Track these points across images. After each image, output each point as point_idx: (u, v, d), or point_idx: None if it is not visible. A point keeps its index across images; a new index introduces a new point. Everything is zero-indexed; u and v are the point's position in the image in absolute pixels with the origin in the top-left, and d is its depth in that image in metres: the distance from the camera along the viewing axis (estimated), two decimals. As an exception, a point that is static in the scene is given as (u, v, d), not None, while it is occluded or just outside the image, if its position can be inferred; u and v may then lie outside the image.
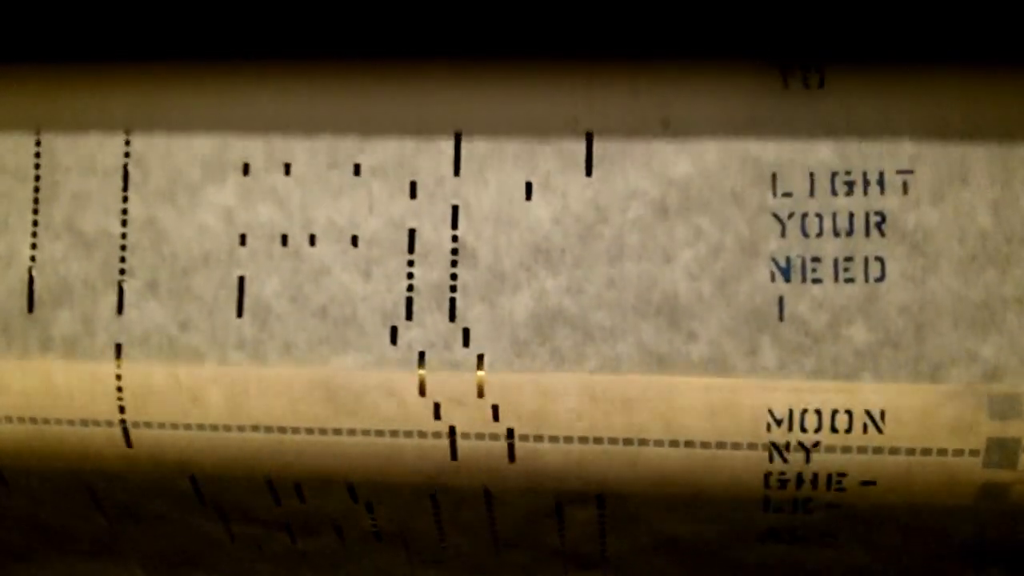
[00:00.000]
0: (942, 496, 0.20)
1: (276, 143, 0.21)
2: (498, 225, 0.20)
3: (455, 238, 0.20)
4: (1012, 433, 0.19)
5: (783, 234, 0.20)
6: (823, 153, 0.20)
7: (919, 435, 0.19)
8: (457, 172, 0.20)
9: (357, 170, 0.21)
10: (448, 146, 0.20)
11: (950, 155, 0.19)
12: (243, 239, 0.21)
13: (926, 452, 0.19)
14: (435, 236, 0.20)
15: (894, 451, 0.19)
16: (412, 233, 0.20)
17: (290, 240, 0.21)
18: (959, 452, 0.19)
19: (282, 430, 0.20)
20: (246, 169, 0.21)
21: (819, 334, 0.19)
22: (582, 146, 0.20)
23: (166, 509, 0.23)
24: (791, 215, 0.20)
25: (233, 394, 0.20)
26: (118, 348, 0.21)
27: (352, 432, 0.20)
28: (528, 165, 0.20)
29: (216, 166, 0.21)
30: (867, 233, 0.20)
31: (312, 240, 0.21)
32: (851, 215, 0.20)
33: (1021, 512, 0.20)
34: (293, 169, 0.21)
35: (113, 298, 0.21)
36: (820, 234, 0.20)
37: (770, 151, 0.20)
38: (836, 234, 0.20)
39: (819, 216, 0.20)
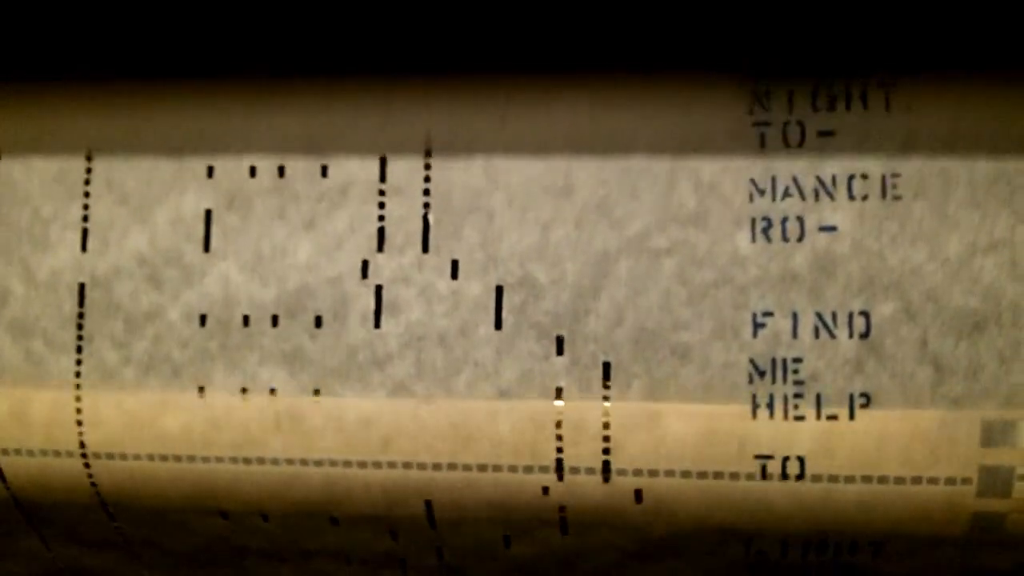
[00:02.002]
0: (932, 526, 0.19)
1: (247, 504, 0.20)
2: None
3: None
4: (1005, 461, 0.18)
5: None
6: (797, 523, 0.19)
7: (908, 463, 0.19)
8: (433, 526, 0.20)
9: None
10: (420, 507, 0.20)
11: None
12: None
13: (916, 480, 0.19)
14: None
15: (882, 479, 0.19)
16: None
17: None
18: (950, 480, 0.19)
19: None
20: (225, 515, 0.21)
21: None
22: (556, 514, 0.20)
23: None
24: (764, 567, 0.19)
25: None
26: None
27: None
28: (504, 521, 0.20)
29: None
30: None
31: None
32: (822, 564, 0.19)
33: (1017, 543, 0.19)
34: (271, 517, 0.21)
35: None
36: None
37: (745, 522, 0.19)
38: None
39: (790, 568, 0.19)
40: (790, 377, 0.19)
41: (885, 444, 0.19)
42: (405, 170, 0.19)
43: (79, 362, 0.20)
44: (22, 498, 0.21)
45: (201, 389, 0.20)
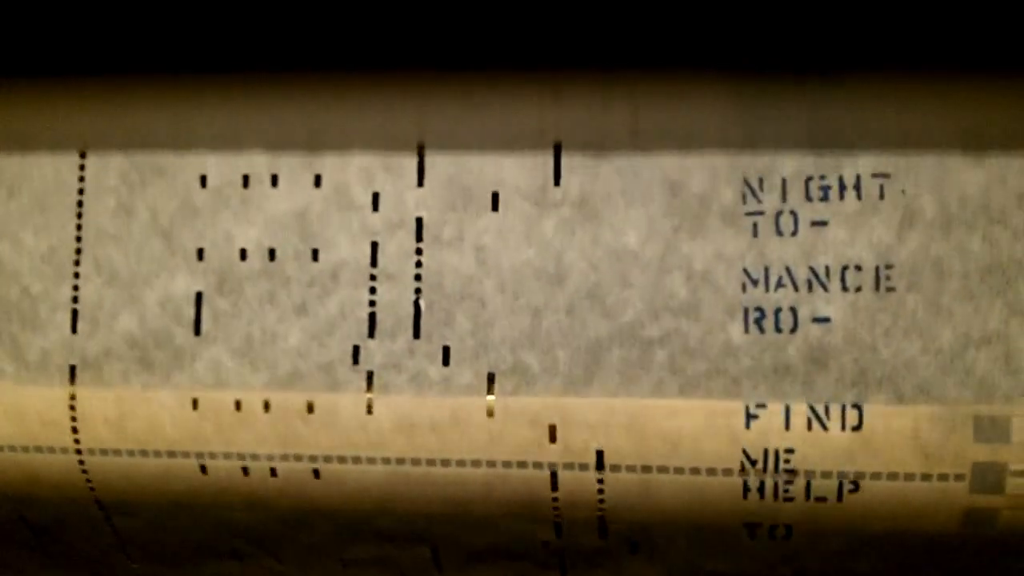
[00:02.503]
0: (926, 522, 0.19)
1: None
2: None
3: None
4: (998, 457, 0.18)
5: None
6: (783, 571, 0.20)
7: (901, 459, 0.18)
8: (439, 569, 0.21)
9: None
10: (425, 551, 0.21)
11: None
12: None
13: (909, 477, 0.19)
14: None
15: (875, 476, 0.19)
16: None
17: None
18: (943, 477, 0.18)
19: None
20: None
21: None
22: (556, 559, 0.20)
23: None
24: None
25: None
26: None
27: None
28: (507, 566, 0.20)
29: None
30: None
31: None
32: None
33: (1010, 539, 0.19)
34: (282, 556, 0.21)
35: None
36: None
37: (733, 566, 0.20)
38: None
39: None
40: (781, 467, 0.19)
41: (876, 453, 0.19)
42: (397, 255, 0.19)
43: (77, 440, 0.20)
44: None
45: (203, 468, 0.20)
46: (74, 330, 0.20)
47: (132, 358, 0.20)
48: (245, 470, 0.20)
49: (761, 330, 0.19)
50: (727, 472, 0.19)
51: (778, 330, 0.18)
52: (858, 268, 0.18)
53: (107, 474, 0.20)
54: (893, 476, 0.18)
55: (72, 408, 0.20)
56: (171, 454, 0.20)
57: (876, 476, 0.18)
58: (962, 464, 0.18)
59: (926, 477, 0.18)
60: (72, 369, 0.20)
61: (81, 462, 0.20)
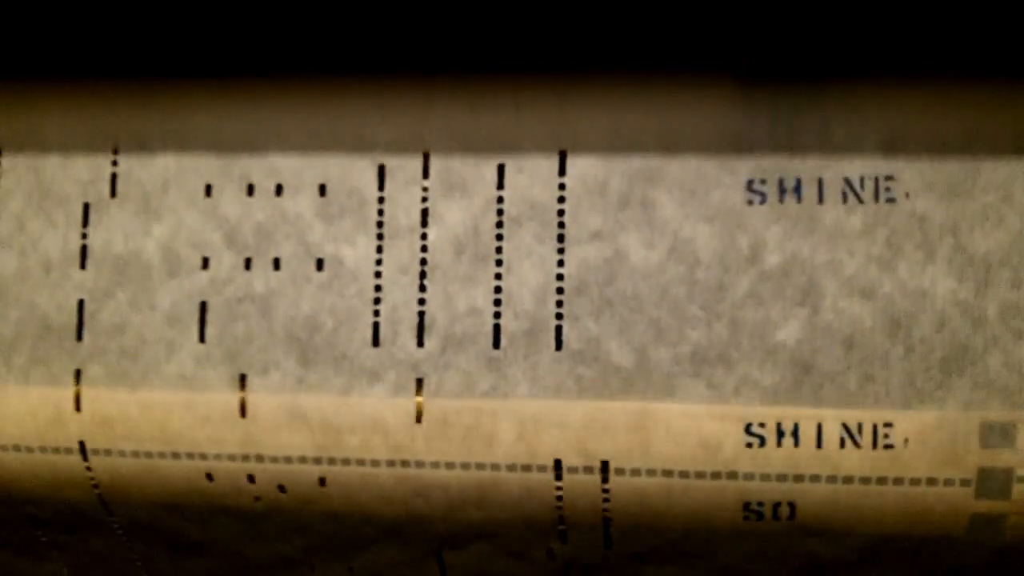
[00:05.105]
0: (932, 527, 0.19)
1: None
2: None
3: None
4: (1005, 463, 0.18)
5: None
6: None
7: (908, 464, 0.19)
8: None
9: None
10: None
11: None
12: None
13: (915, 482, 0.19)
14: None
15: (881, 480, 0.19)
16: None
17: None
18: (949, 482, 0.19)
19: None
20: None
21: None
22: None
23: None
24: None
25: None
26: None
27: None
28: None
29: None
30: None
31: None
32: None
33: (1016, 544, 0.19)
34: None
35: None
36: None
37: None
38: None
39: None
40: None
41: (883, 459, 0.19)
42: None
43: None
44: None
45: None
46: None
47: None
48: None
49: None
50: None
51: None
52: None
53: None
54: (899, 481, 0.19)
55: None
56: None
57: (882, 481, 0.19)
58: (968, 469, 0.18)
59: (932, 482, 0.18)
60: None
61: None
